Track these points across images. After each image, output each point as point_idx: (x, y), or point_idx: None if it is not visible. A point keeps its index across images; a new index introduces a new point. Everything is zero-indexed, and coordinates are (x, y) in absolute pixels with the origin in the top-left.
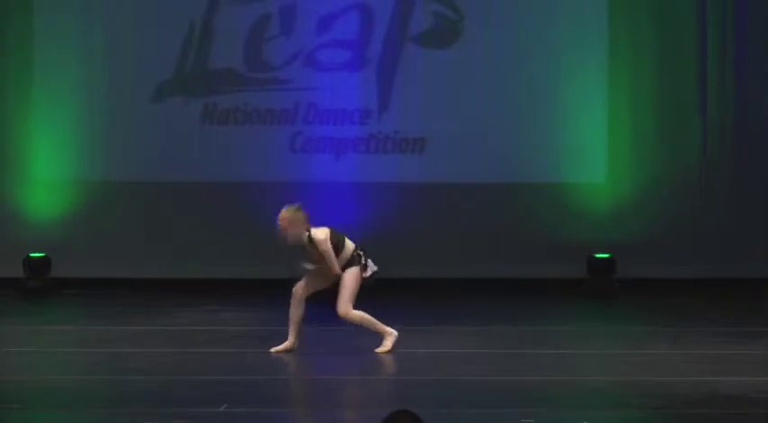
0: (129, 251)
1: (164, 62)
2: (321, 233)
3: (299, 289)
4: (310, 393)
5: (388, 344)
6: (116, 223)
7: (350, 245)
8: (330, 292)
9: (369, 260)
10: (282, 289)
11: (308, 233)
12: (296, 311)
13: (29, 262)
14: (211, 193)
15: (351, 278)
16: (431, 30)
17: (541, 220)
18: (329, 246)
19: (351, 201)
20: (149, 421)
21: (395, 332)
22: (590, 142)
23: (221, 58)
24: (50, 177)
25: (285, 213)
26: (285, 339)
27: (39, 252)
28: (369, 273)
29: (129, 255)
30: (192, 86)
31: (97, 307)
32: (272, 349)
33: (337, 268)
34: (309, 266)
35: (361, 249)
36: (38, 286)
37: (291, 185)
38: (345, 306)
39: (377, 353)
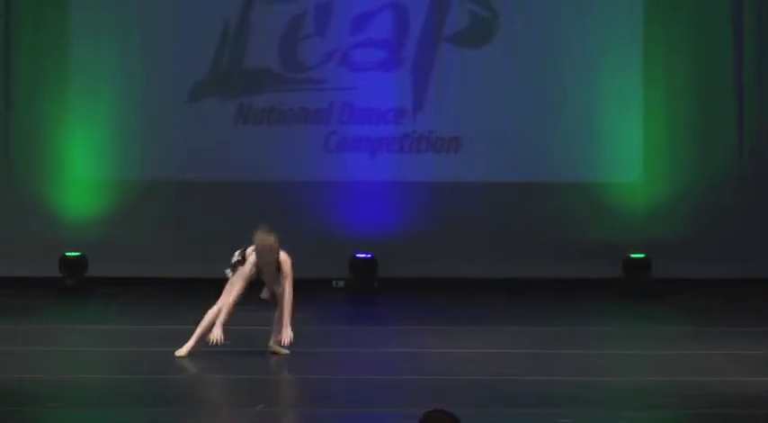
0: (164, 250)
1: (199, 62)
2: (285, 255)
3: (234, 306)
4: (344, 392)
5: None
6: (152, 222)
7: None
8: None
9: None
10: (316, 289)
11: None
12: (209, 323)
13: (65, 261)
14: (246, 193)
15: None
16: (466, 29)
17: (576, 220)
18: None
19: (385, 200)
20: (181, 421)
21: (187, 350)
22: (625, 141)
23: (256, 57)
24: (86, 177)
25: (271, 237)
26: (315, 338)
27: (75, 251)
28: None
29: (165, 254)
30: (228, 86)
31: (132, 306)
32: (177, 353)
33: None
34: (265, 295)
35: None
36: (74, 285)
37: (326, 185)
38: None
39: (271, 351)
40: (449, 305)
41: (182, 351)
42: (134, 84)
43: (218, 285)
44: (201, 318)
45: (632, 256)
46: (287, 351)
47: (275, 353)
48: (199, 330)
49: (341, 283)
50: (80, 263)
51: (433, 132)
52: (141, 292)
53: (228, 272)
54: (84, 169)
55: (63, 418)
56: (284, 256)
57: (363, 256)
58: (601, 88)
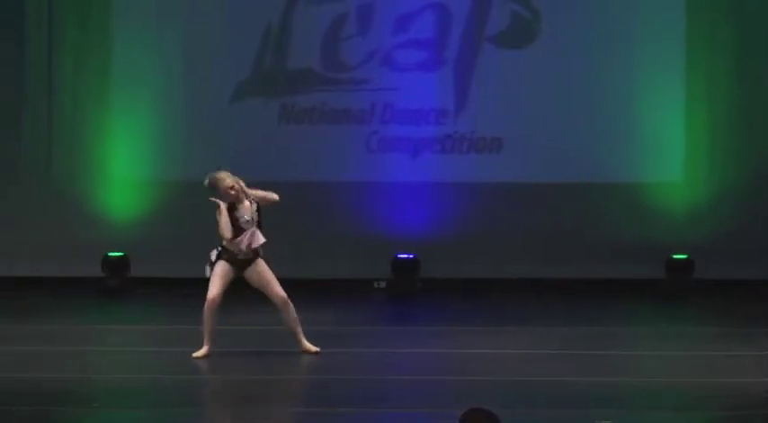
0: (206, 251)
1: (241, 62)
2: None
3: (217, 297)
4: (385, 393)
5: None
6: (194, 223)
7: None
8: None
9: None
10: (358, 289)
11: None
12: (213, 320)
13: (107, 261)
14: (288, 193)
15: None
16: (507, 29)
17: (618, 221)
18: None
19: (427, 201)
20: (225, 420)
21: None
22: (666, 142)
23: (299, 57)
24: (129, 177)
25: (227, 176)
26: (357, 339)
27: (117, 251)
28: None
29: (207, 254)
30: (270, 86)
31: (175, 306)
32: (194, 355)
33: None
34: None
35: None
36: (116, 285)
37: (367, 185)
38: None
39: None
40: (490, 306)
41: (199, 353)
42: (176, 84)
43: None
44: (242, 319)
45: (674, 256)
46: (317, 348)
47: (307, 351)
48: (207, 329)
49: (382, 284)
50: (122, 263)
51: (475, 133)
52: (183, 293)
53: (208, 269)
54: (126, 170)
55: (106, 418)
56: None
57: (405, 256)
58: (642, 88)
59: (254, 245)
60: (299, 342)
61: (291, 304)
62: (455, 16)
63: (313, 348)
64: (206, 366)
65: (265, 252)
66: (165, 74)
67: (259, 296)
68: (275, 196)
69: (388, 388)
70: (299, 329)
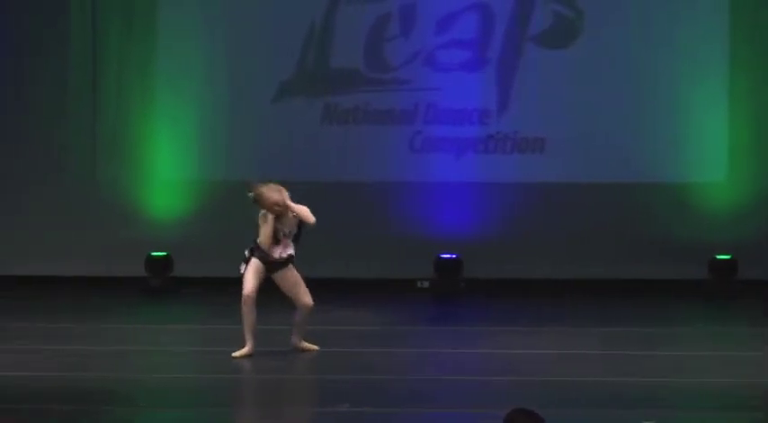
0: None
1: (285, 62)
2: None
3: (253, 293)
4: (428, 393)
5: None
6: (237, 223)
7: None
8: None
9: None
10: (400, 289)
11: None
12: (252, 316)
13: (150, 261)
14: (331, 193)
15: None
16: (550, 29)
17: (661, 220)
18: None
19: (470, 201)
20: (270, 420)
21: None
22: (710, 141)
23: (342, 57)
24: (172, 177)
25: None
26: (399, 337)
27: (160, 251)
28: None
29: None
30: (313, 86)
31: (217, 306)
32: (233, 355)
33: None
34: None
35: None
36: (159, 285)
37: (410, 185)
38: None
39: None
40: (533, 306)
41: (241, 352)
42: (220, 84)
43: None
44: (286, 319)
45: (718, 257)
46: (316, 347)
47: (304, 350)
48: (247, 327)
49: (425, 284)
50: (165, 263)
51: (518, 133)
52: (226, 292)
53: (242, 266)
54: (169, 169)
55: (149, 418)
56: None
57: (448, 256)
58: (686, 88)
59: (284, 254)
60: (297, 340)
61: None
62: (498, 16)
63: (312, 347)
64: (247, 366)
65: (309, 251)
66: (209, 74)
67: (314, 296)
68: (312, 220)
69: (431, 388)
70: (303, 332)
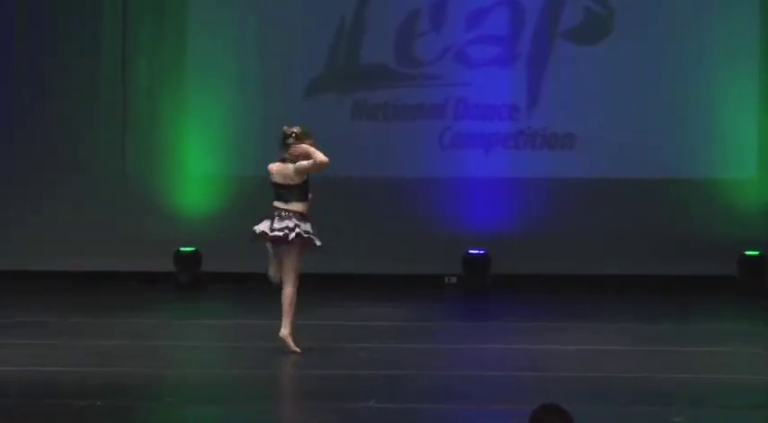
0: None
1: (315, 58)
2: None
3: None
4: (456, 389)
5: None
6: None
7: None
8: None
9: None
10: (429, 285)
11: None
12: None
13: (179, 256)
14: (361, 189)
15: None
16: (581, 25)
17: (691, 217)
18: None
19: (499, 196)
20: (298, 416)
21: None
22: (740, 137)
23: (372, 53)
24: (201, 173)
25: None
26: (428, 335)
27: (189, 246)
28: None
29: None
30: (343, 82)
31: (246, 302)
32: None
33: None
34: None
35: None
36: (188, 280)
37: (440, 181)
38: None
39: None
40: (562, 302)
41: (284, 331)
42: (250, 80)
43: (326, 280)
44: (315, 315)
45: (747, 253)
46: (297, 349)
47: (287, 345)
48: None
49: (453, 279)
50: (194, 258)
51: (548, 128)
52: (254, 288)
53: (269, 248)
54: (199, 165)
55: (180, 413)
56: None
57: (476, 252)
58: (716, 84)
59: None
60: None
61: (294, 296)
62: (528, 12)
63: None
64: (275, 362)
65: (337, 247)
66: (239, 70)
67: (342, 292)
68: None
69: (458, 384)
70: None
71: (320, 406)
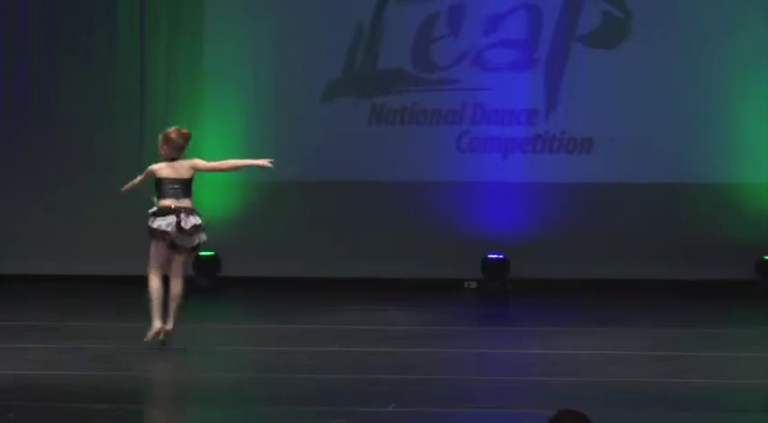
0: (297, 250)
1: (333, 62)
2: (157, 164)
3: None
4: (475, 393)
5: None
6: (284, 223)
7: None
8: None
9: (155, 219)
10: (448, 289)
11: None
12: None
13: (197, 261)
14: (378, 193)
15: None
16: (599, 29)
17: (709, 221)
18: (146, 171)
19: (517, 201)
20: (316, 420)
21: (158, 325)
22: (757, 142)
23: (390, 58)
24: (219, 177)
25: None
26: (446, 337)
27: (207, 251)
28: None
29: (298, 254)
30: (361, 86)
31: (265, 306)
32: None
33: None
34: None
35: (158, 208)
36: (206, 285)
37: (458, 185)
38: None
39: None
40: (581, 306)
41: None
42: (267, 84)
43: (344, 284)
44: (333, 319)
45: (766, 258)
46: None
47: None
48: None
49: (473, 284)
50: (213, 263)
51: (566, 133)
52: (273, 293)
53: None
54: None
55: (197, 417)
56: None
57: (495, 256)
58: (734, 88)
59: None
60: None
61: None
62: (546, 16)
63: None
64: (290, 365)
65: (356, 251)
66: (256, 73)
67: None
68: None
69: (477, 388)
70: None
71: (338, 410)
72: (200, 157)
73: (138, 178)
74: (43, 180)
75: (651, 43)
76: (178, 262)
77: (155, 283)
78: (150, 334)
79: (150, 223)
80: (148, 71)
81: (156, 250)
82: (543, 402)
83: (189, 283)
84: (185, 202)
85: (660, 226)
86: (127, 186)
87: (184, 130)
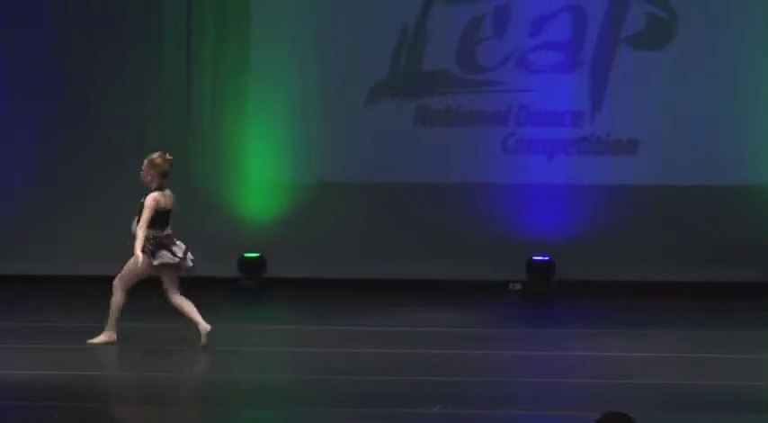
0: (342, 252)
1: (377, 64)
2: (156, 195)
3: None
4: (520, 395)
5: (99, 339)
6: (329, 224)
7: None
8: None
9: (162, 251)
10: (492, 291)
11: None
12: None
13: (244, 262)
14: (423, 195)
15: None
16: (644, 31)
17: (756, 223)
18: (151, 206)
19: (562, 202)
20: (355, 422)
21: (113, 337)
22: None
23: (434, 59)
24: (265, 178)
25: (150, 157)
26: (491, 339)
27: (253, 252)
28: (157, 262)
29: (343, 255)
30: (406, 88)
31: (309, 307)
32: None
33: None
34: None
35: (156, 238)
36: (252, 286)
37: (503, 187)
38: (119, 277)
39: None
40: (626, 308)
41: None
42: (312, 86)
43: (388, 286)
44: (380, 320)
45: None
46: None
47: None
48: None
49: (518, 286)
50: (259, 264)
51: (611, 135)
52: (319, 294)
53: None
54: (262, 170)
55: (244, 417)
56: (153, 194)
57: (540, 258)
58: None
59: None
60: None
61: (113, 291)
62: (591, 18)
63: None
64: (340, 366)
65: (401, 253)
66: (301, 76)
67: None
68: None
69: (522, 390)
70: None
71: (384, 411)
72: (245, 161)
73: (147, 216)
74: (86, 181)
75: (696, 44)
76: (177, 280)
77: (123, 297)
78: (101, 341)
79: (164, 256)
80: (195, 75)
81: (141, 272)
82: (588, 405)
83: (235, 285)
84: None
85: (706, 228)
86: (141, 240)
87: (168, 156)
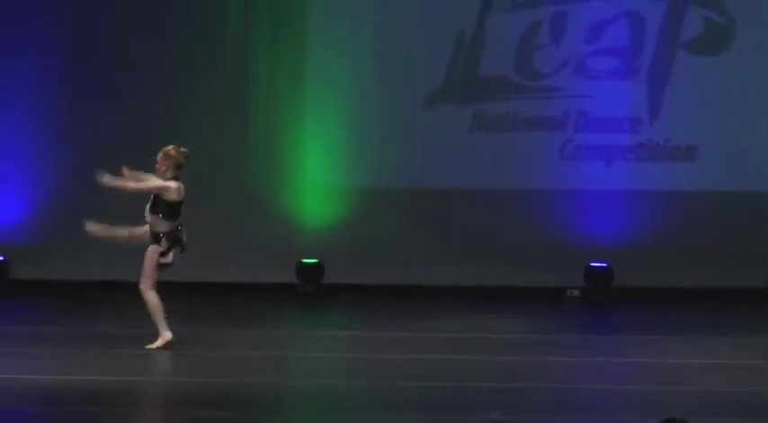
0: (399, 258)
1: (434, 69)
2: (171, 183)
3: None
4: (579, 402)
5: (157, 343)
6: (387, 229)
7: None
8: None
9: (171, 252)
10: (550, 297)
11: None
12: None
13: (301, 268)
14: (481, 200)
15: (147, 255)
16: (701, 36)
17: None
18: (158, 183)
19: (620, 209)
20: None
21: (169, 336)
22: None
23: (492, 65)
24: (322, 183)
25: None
26: (549, 346)
27: (311, 258)
28: (163, 261)
29: (400, 261)
30: (463, 94)
31: (367, 313)
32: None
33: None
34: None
35: (171, 233)
36: (310, 292)
37: (560, 193)
38: (143, 280)
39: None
40: (685, 315)
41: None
42: (369, 90)
43: (446, 292)
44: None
45: None
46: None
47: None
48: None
49: (576, 293)
50: (316, 270)
51: (669, 141)
52: (376, 299)
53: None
54: (319, 176)
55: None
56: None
57: (598, 264)
58: None
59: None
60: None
61: (144, 296)
62: (648, 23)
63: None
64: (395, 372)
65: (458, 259)
66: (358, 80)
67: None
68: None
69: (581, 397)
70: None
71: (444, 418)
72: (302, 161)
73: (155, 184)
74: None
75: (754, 49)
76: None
77: (155, 296)
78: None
79: (169, 257)
80: (252, 78)
81: (157, 261)
82: (646, 411)
83: (292, 290)
84: None
85: (766, 234)
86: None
87: (183, 149)
